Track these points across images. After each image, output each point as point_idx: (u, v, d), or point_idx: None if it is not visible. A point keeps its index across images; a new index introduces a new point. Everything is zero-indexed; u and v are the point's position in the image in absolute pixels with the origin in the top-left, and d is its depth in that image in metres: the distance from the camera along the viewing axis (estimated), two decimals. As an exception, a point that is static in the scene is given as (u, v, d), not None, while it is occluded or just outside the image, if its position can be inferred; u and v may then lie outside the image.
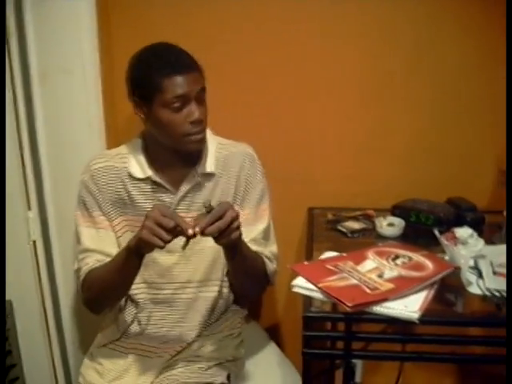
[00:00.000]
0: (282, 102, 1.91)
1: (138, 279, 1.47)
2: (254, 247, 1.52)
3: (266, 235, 1.59)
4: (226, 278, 1.59)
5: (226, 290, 1.61)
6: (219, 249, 1.40)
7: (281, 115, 1.93)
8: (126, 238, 1.45)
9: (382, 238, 1.73)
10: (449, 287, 1.42)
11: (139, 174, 1.50)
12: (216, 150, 1.56)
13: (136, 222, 1.49)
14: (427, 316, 1.28)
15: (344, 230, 1.78)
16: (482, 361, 1.75)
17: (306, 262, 1.51)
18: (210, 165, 1.52)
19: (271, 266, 1.57)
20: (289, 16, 1.84)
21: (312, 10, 1.83)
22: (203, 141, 1.48)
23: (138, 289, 1.55)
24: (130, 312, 1.57)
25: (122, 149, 1.56)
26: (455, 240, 1.59)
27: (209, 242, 1.33)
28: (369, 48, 1.86)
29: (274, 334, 1.83)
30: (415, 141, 1.92)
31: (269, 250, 1.59)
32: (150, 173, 1.49)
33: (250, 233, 1.55)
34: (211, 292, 1.57)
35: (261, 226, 1.59)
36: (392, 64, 1.87)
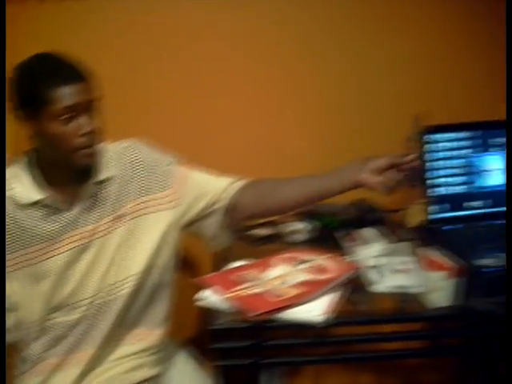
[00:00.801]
0: (189, 104, 1.92)
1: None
2: (222, 183, 1.57)
3: (208, 175, 1.59)
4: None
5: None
6: None
7: (187, 119, 1.93)
8: (20, 275, 1.40)
9: (289, 243, 1.74)
10: (354, 288, 1.44)
11: (27, 200, 1.39)
12: (107, 154, 1.49)
13: (31, 253, 1.41)
14: (334, 318, 1.29)
15: (251, 237, 1.78)
16: (397, 356, 1.77)
17: (211, 274, 1.50)
18: (103, 172, 1.45)
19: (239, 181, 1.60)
20: (199, 22, 1.86)
21: (223, 12, 1.85)
22: (95, 154, 1.41)
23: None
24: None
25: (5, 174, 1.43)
26: (358, 241, 1.62)
27: None
28: (282, 52, 1.90)
29: (190, 348, 1.80)
30: (313, 145, 1.95)
31: (226, 179, 1.59)
32: (39, 196, 1.39)
33: (205, 184, 1.56)
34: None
35: (196, 171, 1.58)
36: (300, 68, 1.91)
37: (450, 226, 1.62)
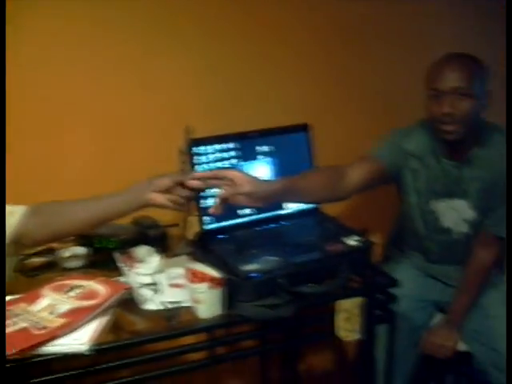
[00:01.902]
0: None
1: None
2: None
3: None
4: None
5: None
6: None
7: None
8: None
9: (67, 270, 1.67)
10: (126, 309, 1.41)
11: None
12: None
13: None
14: (102, 344, 1.25)
15: (26, 267, 1.68)
16: (198, 367, 1.72)
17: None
18: None
19: None
20: None
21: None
22: None
23: None
24: None
25: None
26: (134, 260, 1.60)
27: None
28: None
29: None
30: (90, 165, 1.91)
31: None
32: None
33: None
34: None
35: None
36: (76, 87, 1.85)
37: (224, 235, 1.65)
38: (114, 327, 1.34)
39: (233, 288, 1.40)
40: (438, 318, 2.04)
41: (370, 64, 2.17)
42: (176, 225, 1.80)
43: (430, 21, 2.23)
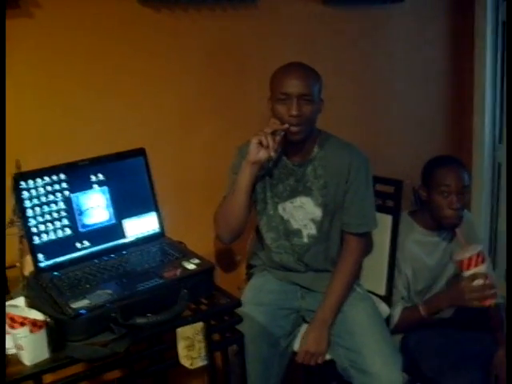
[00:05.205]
0: None
1: None
2: None
3: None
4: None
5: None
6: None
7: None
8: None
9: None
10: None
11: None
12: None
13: None
14: None
15: None
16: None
17: None
18: None
19: None
20: None
21: None
22: None
23: None
24: None
25: None
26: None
27: None
28: None
29: None
30: None
31: None
32: None
33: None
34: None
35: None
36: None
37: (59, 272, 1.57)
38: None
39: (63, 328, 1.34)
40: (303, 327, 2.04)
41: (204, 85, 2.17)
42: (14, 266, 1.70)
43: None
